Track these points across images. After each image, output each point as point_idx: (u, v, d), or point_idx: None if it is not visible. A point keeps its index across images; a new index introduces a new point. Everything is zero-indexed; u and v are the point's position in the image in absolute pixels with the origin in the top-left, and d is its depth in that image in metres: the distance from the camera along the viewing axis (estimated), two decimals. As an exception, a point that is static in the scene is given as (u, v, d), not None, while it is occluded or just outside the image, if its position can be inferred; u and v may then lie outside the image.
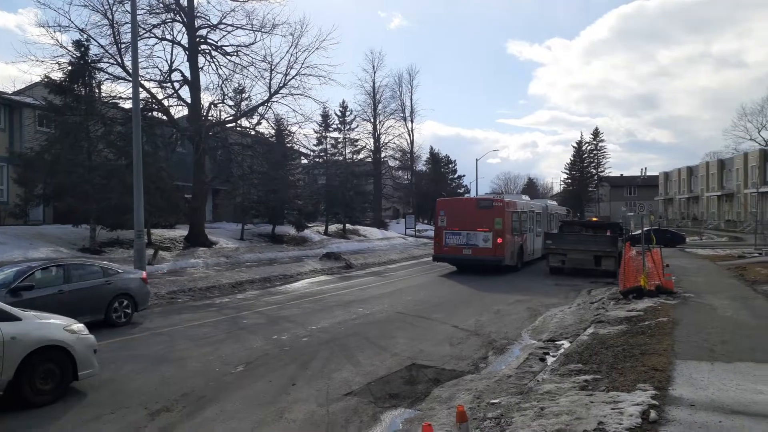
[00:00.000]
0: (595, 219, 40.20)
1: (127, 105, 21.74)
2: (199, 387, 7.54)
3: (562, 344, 10.17)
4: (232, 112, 25.91)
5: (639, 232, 23.13)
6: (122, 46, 22.16)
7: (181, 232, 24.73)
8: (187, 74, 24.67)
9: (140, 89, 19.20)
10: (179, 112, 25.74)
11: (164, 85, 24.48)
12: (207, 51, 24.97)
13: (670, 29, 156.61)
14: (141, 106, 19.13)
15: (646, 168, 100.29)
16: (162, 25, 23.84)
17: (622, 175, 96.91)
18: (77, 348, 7.20)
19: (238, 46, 25.26)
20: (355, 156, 41.31)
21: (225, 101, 25.40)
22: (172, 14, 24.07)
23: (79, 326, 7.58)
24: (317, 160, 39.33)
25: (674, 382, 6.73)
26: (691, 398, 6.14)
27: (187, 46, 24.46)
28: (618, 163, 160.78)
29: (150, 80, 24.13)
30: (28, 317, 7.08)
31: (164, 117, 24.60)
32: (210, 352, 9.33)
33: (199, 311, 13.57)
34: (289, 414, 6.58)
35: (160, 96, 24.43)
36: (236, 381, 7.87)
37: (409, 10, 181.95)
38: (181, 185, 26.19)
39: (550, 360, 8.98)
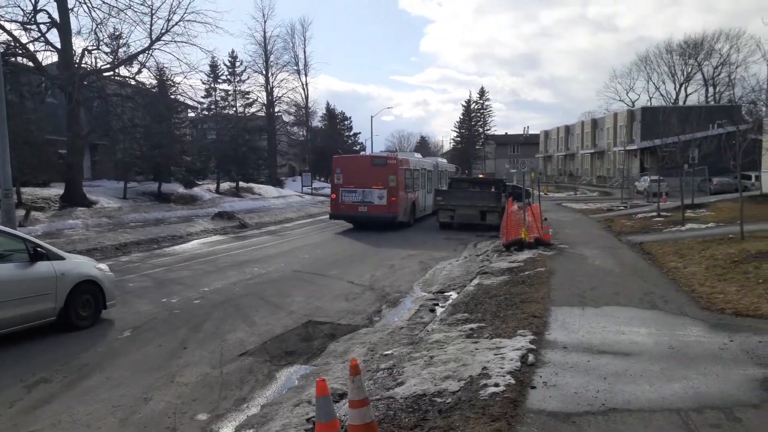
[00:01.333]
0: (481, 176, 42.07)
1: (-16, 48, 19.31)
2: (81, 355, 7.15)
3: (451, 295, 10.71)
4: (109, 60, 23.84)
5: (511, 184, 24.76)
6: (-27, -20, 19.48)
7: (57, 190, 22.77)
8: (56, 16, 22.22)
9: (-1, 30, 17.12)
10: (48, 58, 23.25)
11: (28, 27, 21.88)
12: (78, -10, 22.58)
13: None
14: (1, 50, 17.10)
15: (528, 126, 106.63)
16: (22, -41, 21.20)
17: (506, 133, 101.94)
18: (105, 282, 8.70)
19: (113, -14, 23.05)
20: (247, 110, 39.90)
21: (100, 48, 23.26)
22: (34, -53, 21.39)
23: (103, 265, 9.13)
24: (206, 113, 37.52)
25: (550, 327, 7.36)
26: (564, 341, 6.75)
27: (53, -17, 21.97)
28: (503, 121, 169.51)
29: (11, 21, 21.49)
30: (69, 257, 8.62)
31: (30, 63, 22.14)
32: (92, 321, 8.81)
33: (79, 275, 12.70)
34: (180, 378, 6.43)
35: (24, 39, 21.86)
36: (123, 347, 7.55)
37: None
38: (54, 139, 23.96)
39: (439, 311, 9.44)
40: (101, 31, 22.70)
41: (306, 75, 56.18)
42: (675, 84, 74.07)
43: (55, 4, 22.26)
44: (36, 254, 7.78)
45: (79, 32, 23.91)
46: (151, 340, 7.82)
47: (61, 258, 8.20)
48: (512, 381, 5.44)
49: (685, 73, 73.04)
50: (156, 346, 7.58)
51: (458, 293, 10.66)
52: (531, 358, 6.08)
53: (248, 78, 41.11)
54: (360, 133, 71.95)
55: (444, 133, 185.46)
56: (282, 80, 51.64)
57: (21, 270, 7.57)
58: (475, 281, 11.33)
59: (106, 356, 7.14)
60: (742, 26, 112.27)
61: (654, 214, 22.18)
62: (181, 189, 28.91)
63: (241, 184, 35.28)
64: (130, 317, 8.95)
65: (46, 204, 21.21)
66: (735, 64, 68.10)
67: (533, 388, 5.32)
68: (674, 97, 73.27)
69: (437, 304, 10.00)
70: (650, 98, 75.02)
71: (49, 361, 6.92)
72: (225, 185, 34.59)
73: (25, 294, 7.50)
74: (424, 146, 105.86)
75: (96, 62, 23.78)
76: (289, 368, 6.83)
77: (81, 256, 9.32)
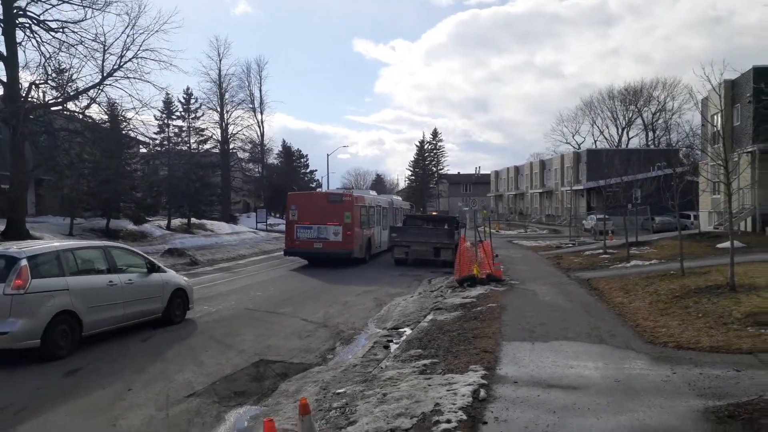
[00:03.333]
0: (435, 213, 42.63)
1: None
2: (18, 399, 6.77)
3: (405, 331, 10.71)
4: (58, 94, 23.32)
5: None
6: None
7: (-4, 227, 21.81)
8: (2, 49, 21.74)
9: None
10: (-8, 91, 22.56)
11: (-29, 60, 21.32)
12: (27, 25, 22.16)
13: (500, 38, 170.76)
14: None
15: (480, 167, 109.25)
16: (-31, -8, 20.69)
17: (459, 173, 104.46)
18: (188, 290, 11.47)
19: (64, 21, 22.70)
20: (201, 146, 39.41)
21: (49, 82, 22.77)
22: (-19, -20, 20.98)
23: (186, 278, 12.37)
24: (159, 149, 36.85)
25: (501, 362, 7.45)
26: (515, 376, 6.84)
27: (1, 18, 21.53)
28: (455, 161, 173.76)
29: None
30: (169, 271, 11.50)
31: (-28, 96, 21.44)
32: (31, 360, 8.39)
33: (17, 315, 12.09)
34: (123, 420, 6.17)
35: (-33, 73, 21.25)
36: (63, 390, 7.19)
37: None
38: (-5, 174, 23.08)
39: (393, 347, 9.41)
40: (50, 65, 22.26)
41: (262, 113, 56.17)
42: (617, 128, 77.84)
43: (2, 38, 21.79)
44: (152, 267, 10.61)
45: (26, 66, 23.13)
46: (94, 383, 7.48)
47: (165, 271, 11.05)
48: (464, 417, 5.46)
49: (626, 118, 76.92)
50: (99, 388, 7.26)
51: (412, 329, 10.67)
52: (482, 393, 6.13)
53: (203, 115, 40.87)
54: (316, 170, 72.44)
55: (399, 171, 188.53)
56: (237, 117, 51.53)
57: (143, 278, 10.31)
58: (429, 317, 11.39)
59: (45, 400, 6.79)
60: (677, 76, 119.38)
61: (601, 251, 22.92)
62: (130, 225, 28.12)
63: (194, 220, 34.60)
64: (70, 359, 8.54)
65: (-17, 241, 20.24)
66: (671, 111, 72.35)
67: (485, 423, 5.36)
68: (617, 140, 76.82)
69: (391, 341, 9.97)
70: (595, 141, 78.48)
71: (-20, 406, 6.52)
72: (176, 222, 33.84)
73: (146, 296, 10.28)
74: (379, 184, 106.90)
75: (44, 96, 23.21)
76: (238, 409, 6.65)
77: (172, 271, 12.18)
